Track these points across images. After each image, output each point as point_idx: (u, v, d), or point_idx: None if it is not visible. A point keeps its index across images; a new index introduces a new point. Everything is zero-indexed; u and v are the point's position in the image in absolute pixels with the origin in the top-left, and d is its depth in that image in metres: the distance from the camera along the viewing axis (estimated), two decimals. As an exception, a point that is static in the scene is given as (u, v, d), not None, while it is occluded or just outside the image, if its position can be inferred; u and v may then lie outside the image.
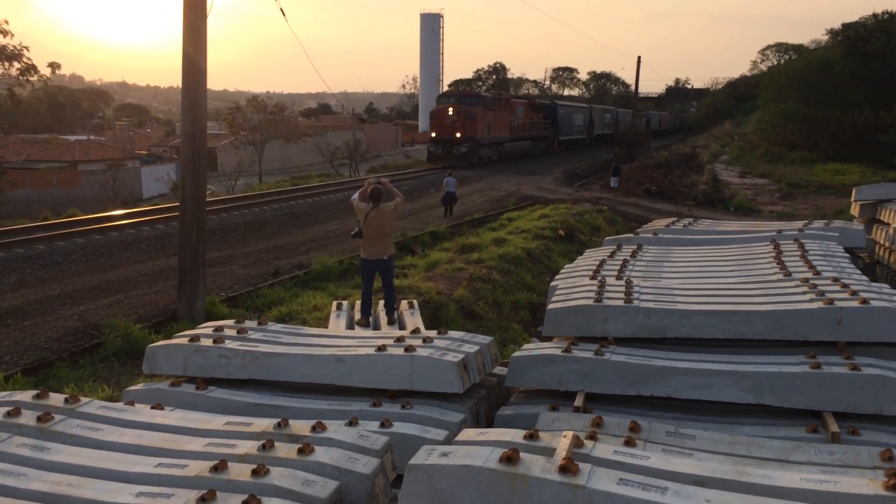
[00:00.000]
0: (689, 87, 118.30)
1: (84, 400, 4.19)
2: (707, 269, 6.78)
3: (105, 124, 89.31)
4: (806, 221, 9.72)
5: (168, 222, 16.97)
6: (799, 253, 6.74)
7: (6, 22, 23.03)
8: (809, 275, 5.79)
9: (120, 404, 4.36)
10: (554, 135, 50.48)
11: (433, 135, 37.06)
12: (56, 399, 4.18)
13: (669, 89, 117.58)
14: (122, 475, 3.30)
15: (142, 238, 15.71)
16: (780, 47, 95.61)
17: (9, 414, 3.94)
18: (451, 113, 35.88)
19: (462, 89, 37.92)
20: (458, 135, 35.59)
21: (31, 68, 23.85)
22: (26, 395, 4.26)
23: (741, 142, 62.65)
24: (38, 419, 3.86)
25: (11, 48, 23.28)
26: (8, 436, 3.69)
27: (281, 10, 11.81)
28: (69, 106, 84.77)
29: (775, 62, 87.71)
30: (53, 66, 25.04)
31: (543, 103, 51.76)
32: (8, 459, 3.49)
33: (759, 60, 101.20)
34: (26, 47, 23.71)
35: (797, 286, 5.41)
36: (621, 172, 31.48)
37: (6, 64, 23.46)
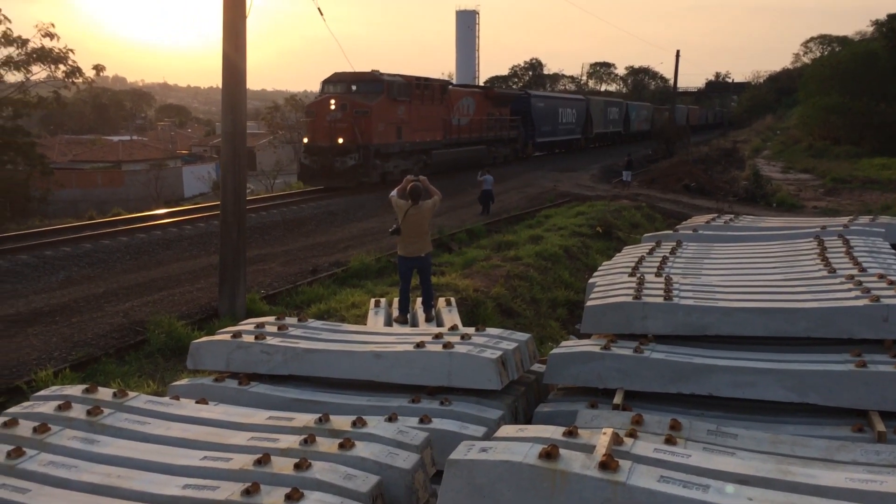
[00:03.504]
0: (730, 80, 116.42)
1: (131, 394, 4.30)
2: (749, 265, 6.68)
3: (147, 125, 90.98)
4: (851, 217, 9.51)
5: (209, 221, 17.25)
6: (844, 249, 6.61)
7: (52, 25, 23.62)
8: (855, 271, 5.68)
9: (166, 399, 4.46)
10: (527, 136, 39.00)
11: (305, 140, 24.83)
12: (105, 393, 4.30)
13: (709, 83, 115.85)
14: (169, 468, 3.39)
15: (184, 236, 15.99)
16: (824, 39, 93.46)
17: (60, 408, 4.06)
18: (332, 108, 23.56)
19: (354, 72, 24.09)
20: (341, 140, 23.25)
21: (76, 71, 24.45)
22: (76, 390, 4.38)
23: (783, 136, 61.50)
24: (88, 413, 3.97)
25: (57, 51, 23.89)
26: (59, 429, 3.80)
27: (318, 9, 11.90)
28: (112, 107, 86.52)
29: (818, 54, 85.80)
30: (98, 68, 25.56)
31: (509, 94, 39.88)
32: (59, 451, 3.60)
33: (801, 53, 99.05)
34: (71, 50, 24.31)
35: (842, 283, 5.30)
36: (636, 166, 30.82)
37: (52, 67, 24.08)
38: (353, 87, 24.47)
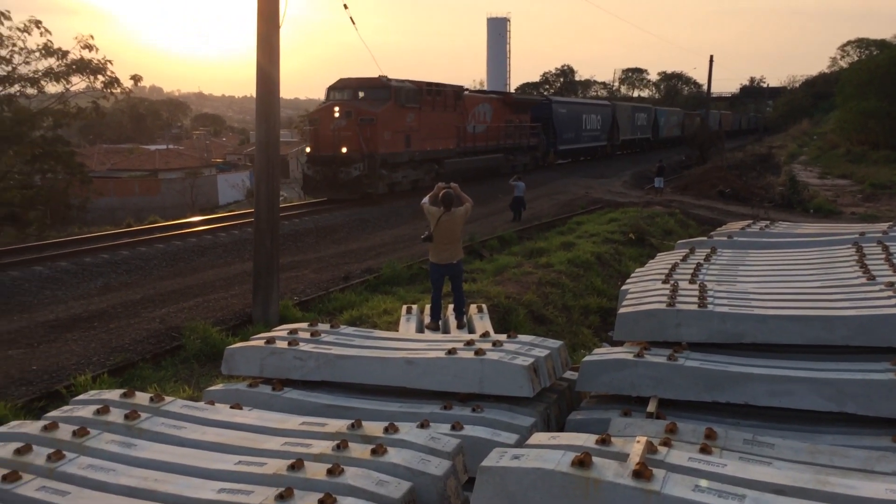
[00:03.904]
0: (765, 85, 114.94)
1: (168, 399, 4.36)
2: (785, 272, 6.58)
3: (183, 134, 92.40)
4: (890, 223, 9.31)
5: (243, 228, 17.46)
6: (883, 256, 6.48)
7: (91, 37, 24.11)
8: (895, 279, 5.56)
9: (201, 403, 4.52)
10: (549, 143, 37.78)
11: (308, 150, 23.70)
12: (142, 398, 4.37)
13: (744, 88, 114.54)
14: (205, 472, 3.43)
15: (218, 244, 16.20)
16: (861, 43, 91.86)
17: (98, 412, 4.13)
18: (336, 115, 22.53)
19: (360, 78, 23.74)
20: (345, 149, 22.14)
21: (114, 81, 24.90)
22: (114, 394, 4.46)
23: (820, 141, 60.51)
24: (126, 417, 4.04)
25: (96, 62, 24.35)
26: (98, 432, 3.87)
27: (351, 18, 12.03)
28: (149, 117, 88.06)
29: (856, 58, 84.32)
30: (135, 78, 26.04)
31: (529, 99, 38.81)
32: (98, 455, 3.67)
33: (838, 57, 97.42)
34: (110, 61, 24.78)
35: (881, 290, 5.20)
36: (666, 172, 30.27)
37: (91, 77, 24.54)
38: (360, 94, 23.59)
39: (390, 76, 23.71)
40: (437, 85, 26.21)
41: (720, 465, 3.10)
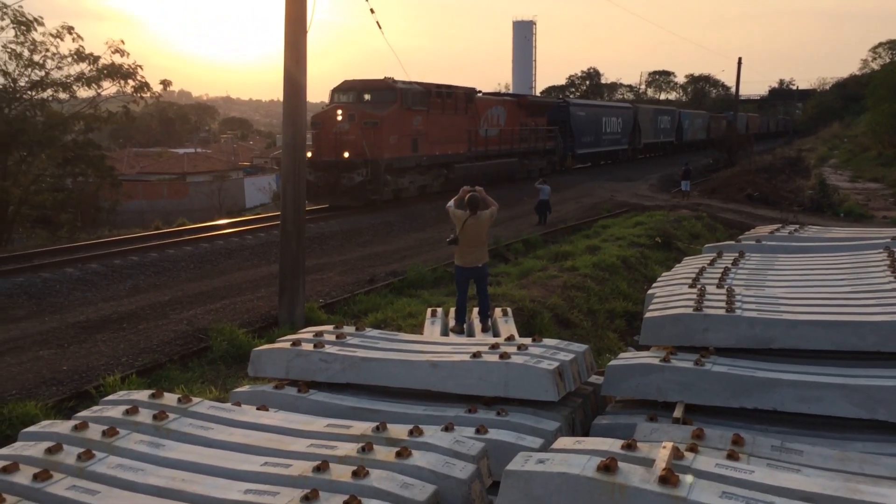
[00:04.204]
0: (794, 88, 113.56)
1: (195, 400, 4.41)
2: (815, 277, 6.49)
3: (211, 137, 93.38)
4: (924, 227, 9.15)
5: (269, 231, 17.61)
6: (916, 261, 6.37)
7: (122, 42, 24.46)
8: (928, 284, 5.46)
9: (228, 405, 4.57)
10: (567, 147, 36.83)
11: (309, 155, 20.99)
12: (170, 399, 4.42)
13: (772, 91, 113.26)
14: (231, 472, 3.46)
15: (245, 246, 16.35)
16: (893, 44, 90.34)
17: (127, 412, 4.19)
18: (339, 118, 21.71)
19: (365, 80, 23.11)
20: (347, 154, 21.30)
21: (144, 86, 25.22)
22: (143, 395, 4.52)
23: (851, 144, 59.58)
24: (154, 417, 4.09)
25: (127, 67, 24.69)
26: (127, 432, 3.92)
27: (377, 22, 12.09)
28: (178, 120, 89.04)
29: (887, 60, 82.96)
30: (165, 83, 26.39)
31: (545, 102, 37.27)
32: (127, 455, 3.72)
33: (870, 59, 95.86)
34: (140, 66, 25.11)
35: (914, 296, 5.11)
36: (691, 175, 29.80)
37: (122, 82, 24.88)
38: (365, 96, 22.69)
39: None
40: (447, 87, 25.39)
41: (748, 471, 3.07)
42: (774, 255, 7.77)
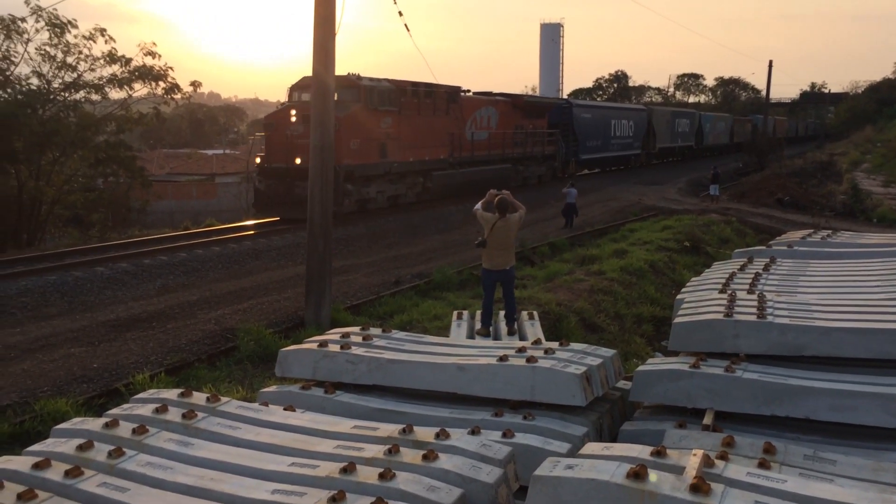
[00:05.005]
0: (826, 91, 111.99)
1: (224, 399, 4.44)
2: (848, 284, 6.38)
3: (239, 139, 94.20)
4: (961, 234, 8.97)
5: (295, 232, 17.70)
6: (953, 268, 6.24)
7: (153, 44, 24.79)
8: (966, 292, 5.34)
9: (256, 405, 4.60)
10: (569, 151, 33.85)
11: (257, 160, 20.50)
12: (199, 398, 4.46)
13: (804, 94, 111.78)
14: (259, 472, 3.48)
15: (272, 247, 16.46)
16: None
17: (157, 410, 4.23)
18: (293, 119, 19.42)
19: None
20: (299, 160, 18.37)
21: (174, 87, 25.53)
22: (172, 394, 4.56)
23: (885, 148, 58.49)
24: (183, 416, 4.13)
25: (158, 69, 25.01)
26: (156, 431, 3.96)
27: (405, 25, 12.13)
28: (207, 122, 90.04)
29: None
30: (195, 84, 26.67)
31: (545, 102, 33.92)
32: (156, 453, 3.75)
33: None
34: (171, 68, 25.42)
35: (952, 304, 5.00)
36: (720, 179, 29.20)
37: (153, 84, 25.21)
38: None
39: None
40: (426, 85, 22.80)
41: (780, 480, 3.02)
42: (806, 260, 7.66)
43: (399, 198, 22.46)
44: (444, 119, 23.70)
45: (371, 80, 20.72)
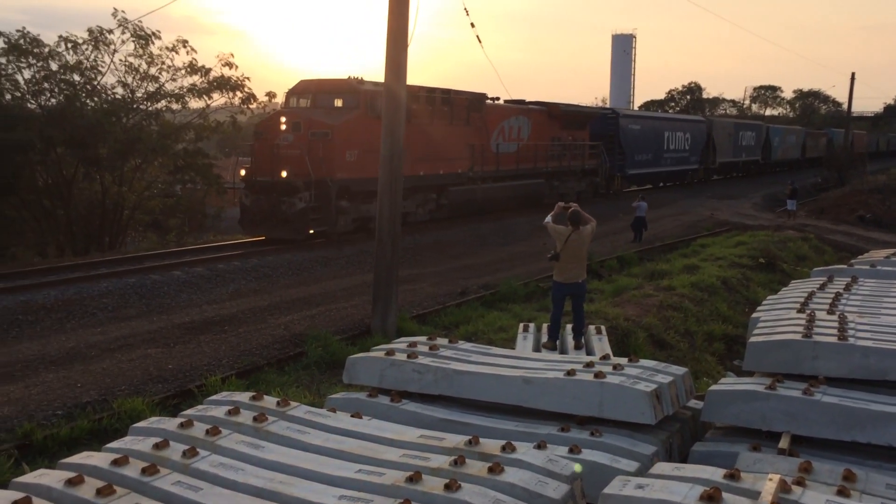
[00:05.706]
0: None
1: (293, 404, 4.52)
2: (936, 306, 6.09)
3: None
4: None
5: (364, 242, 17.90)
6: None
7: (231, 55, 25.54)
8: None
9: (324, 410, 4.67)
10: (615, 166, 31.14)
11: (242, 172, 18.45)
12: (269, 402, 4.55)
13: (888, 108, 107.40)
14: (327, 478, 3.53)
15: (340, 255, 16.69)
16: None
17: (229, 412, 4.34)
18: (283, 128, 17.44)
19: (324, 80, 18.79)
20: (285, 173, 16.79)
21: (250, 97, 26.24)
22: (244, 397, 4.67)
23: (976, 164, 55.75)
24: (254, 419, 4.22)
25: (235, 79, 25.75)
26: (229, 432, 4.06)
27: (477, 37, 12.20)
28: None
29: None
30: (270, 95, 27.31)
31: (585, 111, 30.61)
32: (228, 454, 3.84)
33: None
34: (247, 78, 26.13)
35: None
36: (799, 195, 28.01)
37: (230, 94, 25.96)
38: (323, 101, 18.32)
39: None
40: (442, 91, 20.74)
41: (862, 511, 2.89)
42: (891, 281, 7.35)
43: (408, 216, 19.26)
44: (463, 129, 21.46)
45: (375, 84, 18.10)
